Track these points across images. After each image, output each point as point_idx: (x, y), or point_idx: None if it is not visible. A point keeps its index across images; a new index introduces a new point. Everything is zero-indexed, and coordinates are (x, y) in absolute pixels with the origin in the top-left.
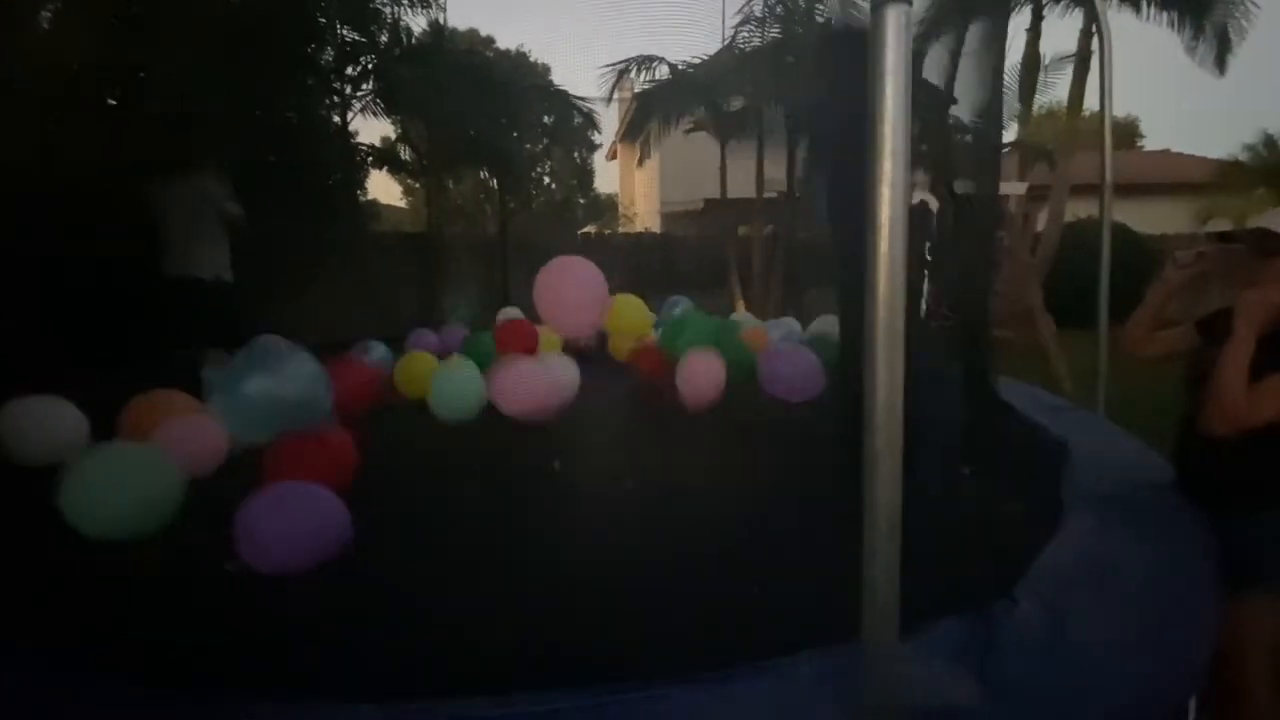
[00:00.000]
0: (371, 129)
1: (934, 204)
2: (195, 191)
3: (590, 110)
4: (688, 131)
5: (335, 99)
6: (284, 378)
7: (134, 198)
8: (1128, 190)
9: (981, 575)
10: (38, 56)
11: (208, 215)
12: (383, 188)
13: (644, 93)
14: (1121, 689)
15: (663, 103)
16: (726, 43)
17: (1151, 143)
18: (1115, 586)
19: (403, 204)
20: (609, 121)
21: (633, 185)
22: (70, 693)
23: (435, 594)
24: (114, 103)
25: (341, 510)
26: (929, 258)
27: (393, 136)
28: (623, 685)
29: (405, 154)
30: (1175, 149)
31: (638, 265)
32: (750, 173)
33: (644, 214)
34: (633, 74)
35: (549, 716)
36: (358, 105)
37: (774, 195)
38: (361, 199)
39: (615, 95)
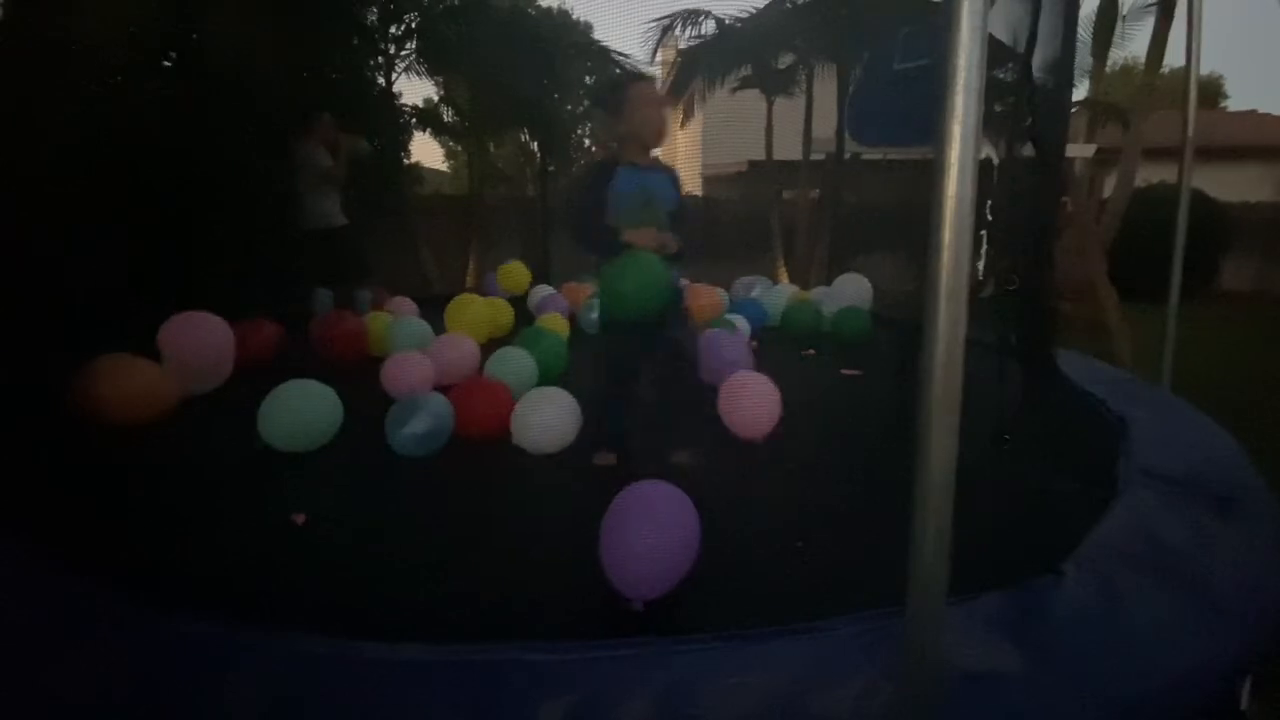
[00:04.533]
0: (414, 90)
1: (995, 159)
2: (305, 153)
3: (633, 68)
4: (734, 90)
5: (379, 59)
6: (428, 414)
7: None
8: (1207, 153)
9: (1028, 549)
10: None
11: (320, 174)
12: (425, 150)
13: (689, 49)
14: (1166, 666)
15: (708, 60)
16: None
17: (1237, 102)
18: (1162, 562)
19: (444, 167)
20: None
21: (674, 147)
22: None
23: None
24: (168, 64)
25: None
26: (990, 217)
27: (435, 98)
28: (668, 639)
29: (448, 115)
30: (1264, 109)
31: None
32: (796, 134)
33: (685, 176)
34: (677, 30)
35: (596, 663)
36: (401, 65)
37: (821, 157)
38: (405, 161)
39: (659, 53)
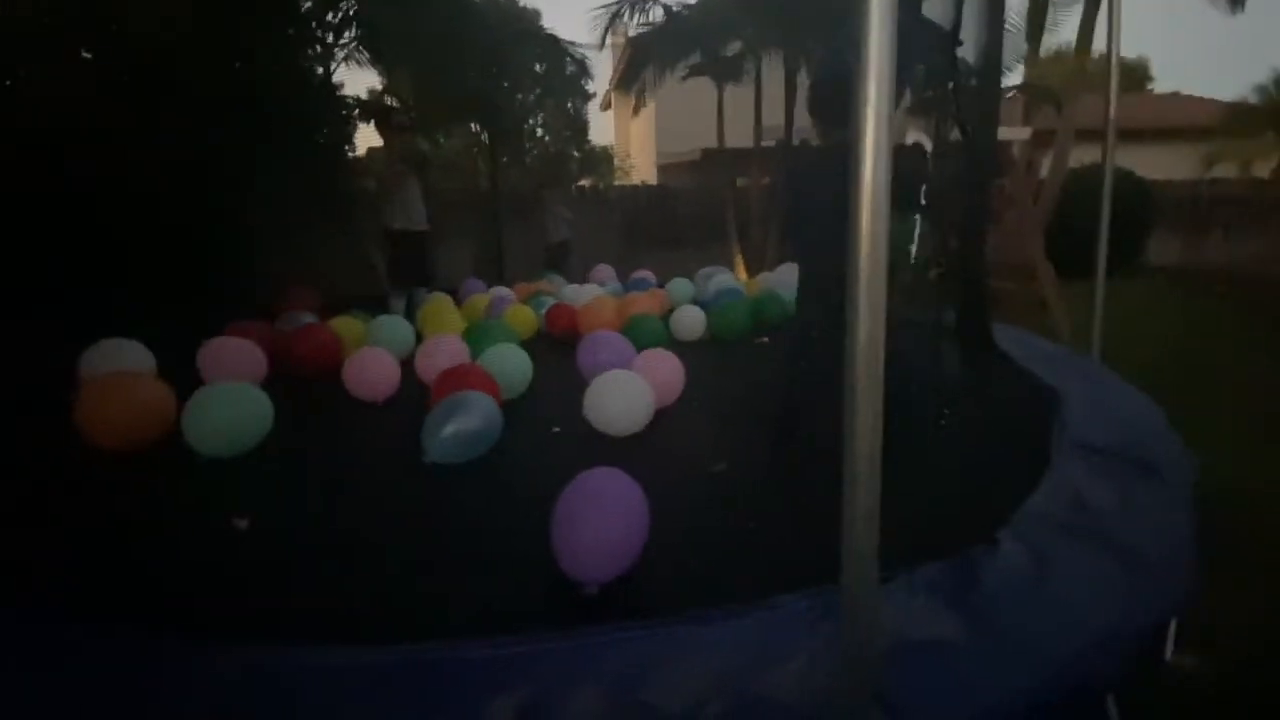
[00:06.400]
0: (357, 80)
1: (929, 145)
2: (391, 159)
3: (583, 57)
4: (684, 78)
5: (317, 48)
6: (475, 416)
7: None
8: (1134, 135)
9: (965, 519)
10: None
11: (394, 173)
12: (370, 143)
13: (638, 37)
14: (1094, 624)
15: (658, 48)
16: None
17: (1162, 85)
18: (1091, 526)
19: None
20: (602, 69)
21: (628, 136)
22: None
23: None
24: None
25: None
26: (923, 202)
27: (379, 88)
28: (604, 625)
29: (392, 105)
30: (1186, 91)
31: (634, 219)
32: (748, 121)
33: (640, 166)
34: (625, 17)
35: (536, 656)
36: (340, 55)
37: (772, 144)
38: (350, 154)
39: (608, 40)
